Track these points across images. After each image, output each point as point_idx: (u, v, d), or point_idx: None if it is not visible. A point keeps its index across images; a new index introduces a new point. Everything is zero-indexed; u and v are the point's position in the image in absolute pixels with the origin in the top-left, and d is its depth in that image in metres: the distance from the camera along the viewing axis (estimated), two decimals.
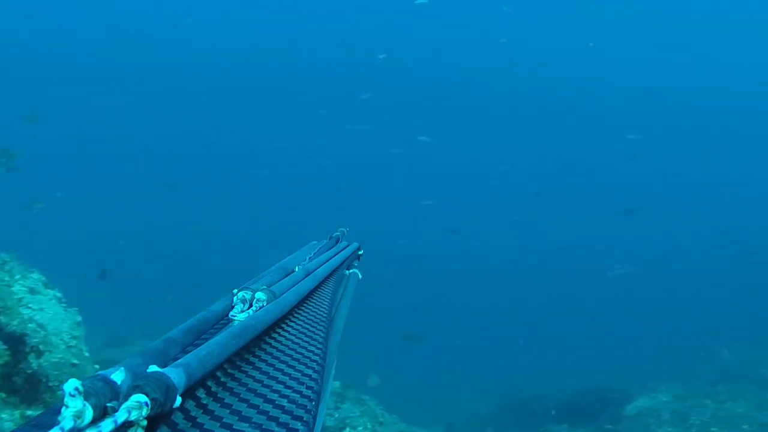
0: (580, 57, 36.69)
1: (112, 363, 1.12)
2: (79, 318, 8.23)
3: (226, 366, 1.38)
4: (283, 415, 1.24)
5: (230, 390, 1.32)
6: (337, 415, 10.59)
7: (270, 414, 1.24)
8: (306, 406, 1.30)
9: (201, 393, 1.24)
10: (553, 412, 14.39)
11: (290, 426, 1.20)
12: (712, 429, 12.13)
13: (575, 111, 36.74)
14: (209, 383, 1.29)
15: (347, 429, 10.46)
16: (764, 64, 35.37)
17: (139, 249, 27.37)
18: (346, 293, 2.77)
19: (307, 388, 1.41)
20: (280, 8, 39.25)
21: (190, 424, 1.13)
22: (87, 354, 7.83)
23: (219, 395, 1.28)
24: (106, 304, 16.98)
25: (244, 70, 38.92)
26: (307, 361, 1.59)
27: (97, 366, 7.62)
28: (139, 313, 19.00)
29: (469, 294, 26.75)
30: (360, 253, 3.48)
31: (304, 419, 1.23)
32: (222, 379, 1.34)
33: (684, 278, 25.63)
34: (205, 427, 1.13)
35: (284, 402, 1.31)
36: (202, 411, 1.19)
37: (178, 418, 1.12)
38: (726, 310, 20.83)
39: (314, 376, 1.49)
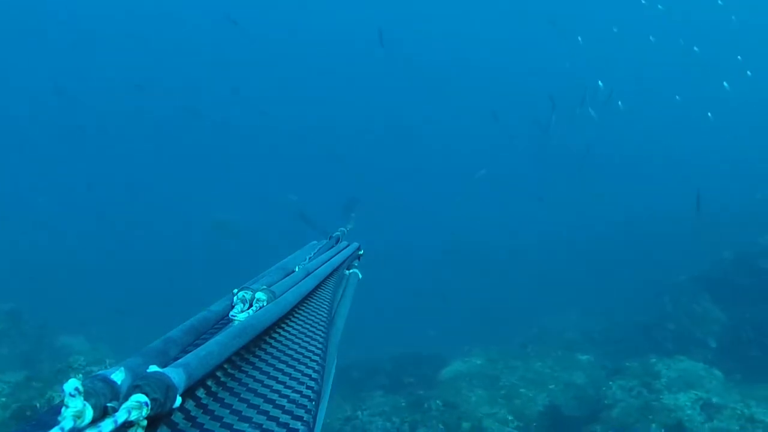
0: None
1: None
2: None
3: (226, 366, 1.39)
4: (283, 415, 1.25)
5: (230, 390, 1.32)
6: None
7: (270, 414, 1.25)
8: (306, 406, 1.31)
9: (201, 393, 1.24)
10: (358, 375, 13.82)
11: (290, 426, 1.20)
12: (521, 390, 12.15)
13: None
14: (209, 383, 1.29)
15: None
16: None
17: None
18: (347, 293, 2.80)
19: (307, 388, 1.41)
20: None
21: (190, 424, 1.13)
22: None
23: (219, 395, 1.28)
24: None
25: None
26: (307, 361, 1.60)
27: None
28: None
29: None
30: (360, 253, 3.59)
31: (304, 419, 1.24)
32: (222, 379, 1.35)
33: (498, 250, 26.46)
34: (205, 427, 1.14)
35: (284, 402, 1.32)
36: (202, 411, 1.19)
37: (178, 418, 1.12)
38: (541, 278, 21.69)
39: (314, 376, 1.51)
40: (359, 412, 11.71)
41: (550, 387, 12.20)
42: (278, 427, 1.19)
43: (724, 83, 25.32)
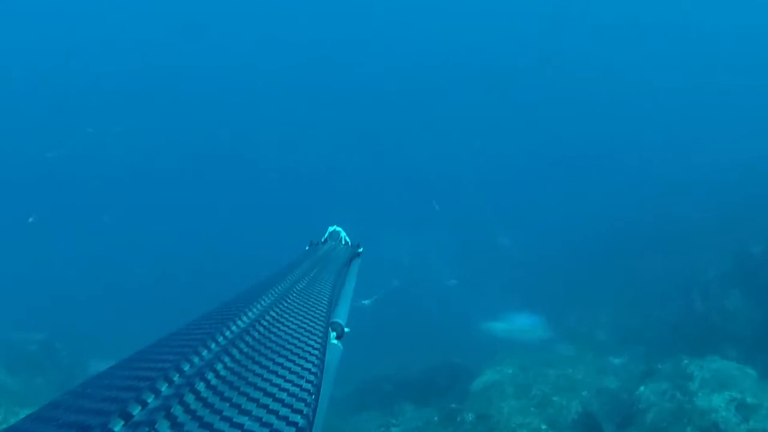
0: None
1: None
2: None
3: (225, 359, 1.41)
4: (283, 409, 1.26)
5: (230, 383, 1.32)
6: None
7: (270, 407, 1.25)
8: (306, 399, 1.32)
9: (201, 386, 1.24)
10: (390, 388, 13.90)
11: (290, 419, 1.21)
12: (554, 398, 12.13)
13: None
14: (208, 376, 1.29)
15: None
16: None
17: None
18: (345, 291, 2.87)
19: (307, 381, 1.43)
20: None
21: (190, 417, 1.12)
22: None
23: (218, 389, 1.28)
24: None
25: None
26: (306, 355, 1.63)
27: None
28: None
29: None
30: (359, 251, 3.81)
31: (304, 412, 1.25)
32: (221, 373, 1.35)
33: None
34: (204, 420, 1.13)
35: (284, 395, 1.32)
36: (201, 404, 1.19)
37: (177, 411, 1.12)
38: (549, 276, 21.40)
39: (314, 369, 1.52)
40: (393, 429, 11.83)
41: (583, 393, 12.18)
42: (278, 420, 1.20)
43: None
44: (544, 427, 11.16)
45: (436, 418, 11.88)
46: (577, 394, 12.22)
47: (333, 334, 2.17)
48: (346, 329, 2.32)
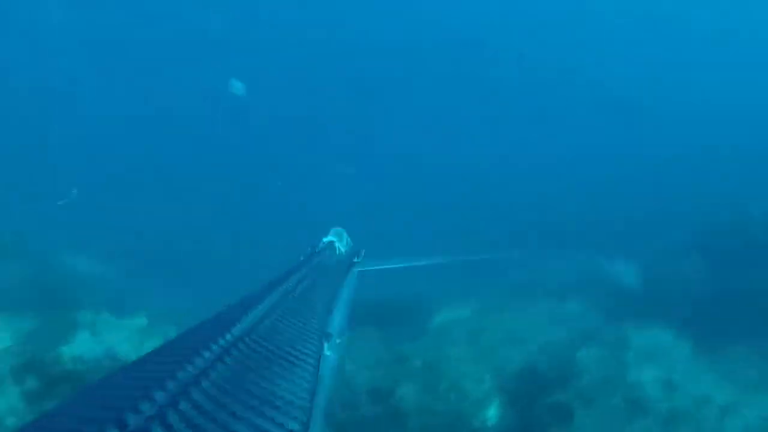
0: None
1: None
2: None
3: (220, 368, 1.42)
4: (279, 415, 1.31)
5: (225, 391, 1.33)
6: None
7: (266, 414, 1.29)
8: (302, 406, 1.38)
9: (196, 394, 1.25)
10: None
11: (286, 426, 1.27)
12: (501, 348, 12.77)
13: None
14: (204, 384, 1.31)
15: None
16: None
17: None
18: (342, 300, 3.03)
19: (303, 388, 1.48)
20: None
21: (185, 425, 1.13)
22: None
23: (214, 396, 1.28)
24: None
25: None
26: (301, 363, 1.68)
27: None
28: None
29: None
30: (358, 260, 4.00)
31: (300, 419, 1.31)
32: (217, 381, 1.36)
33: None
34: (200, 427, 1.14)
35: (280, 402, 1.37)
36: (197, 412, 1.19)
37: (173, 419, 1.12)
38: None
39: (308, 377, 1.59)
40: (347, 364, 12.47)
41: (529, 347, 12.84)
42: (274, 427, 1.22)
43: None
44: (487, 376, 11.88)
45: (387, 358, 12.53)
46: (524, 346, 12.87)
47: (328, 345, 2.18)
48: (338, 340, 2.32)
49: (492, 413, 11.16)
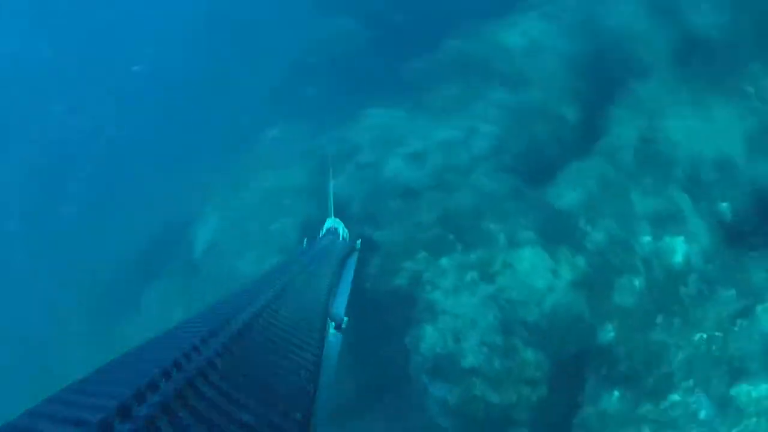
0: None
1: None
2: None
3: (224, 354, 1.39)
4: (282, 403, 1.27)
5: (229, 379, 1.30)
6: None
7: (269, 402, 1.26)
8: (304, 395, 1.35)
9: (199, 382, 1.23)
10: None
11: (289, 414, 1.22)
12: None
13: None
14: (207, 372, 1.28)
15: None
16: None
17: None
18: (343, 284, 3.08)
19: (305, 378, 1.45)
20: None
21: (188, 412, 1.12)
22: None
23: (217, 384, 1.26)
24: None
25: None
26: (305, 346, 1.65)
27: None
28: None
29: None
30: (357, 246, 4.18)
31: (303, 407, 1.28)
32: (220, 367, 1.33)
33: None
34: (204, 415, 1.12)
35: (282, 390, 1.35)
36: (200, 399, 1.18)
37: (176, 406, 1.12)
38: None
39: (311, 367, 1.54)
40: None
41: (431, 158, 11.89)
42: (277, 416, 1.18)
43: None
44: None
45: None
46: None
47: (332, 325, 2.34)
48: (345, 319, 2.50)
49: None
